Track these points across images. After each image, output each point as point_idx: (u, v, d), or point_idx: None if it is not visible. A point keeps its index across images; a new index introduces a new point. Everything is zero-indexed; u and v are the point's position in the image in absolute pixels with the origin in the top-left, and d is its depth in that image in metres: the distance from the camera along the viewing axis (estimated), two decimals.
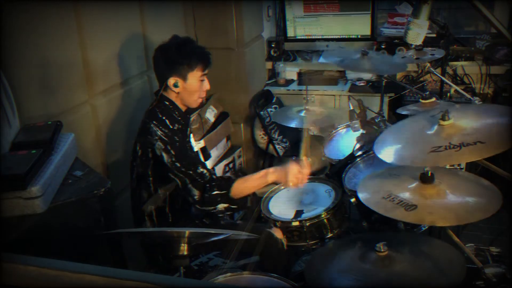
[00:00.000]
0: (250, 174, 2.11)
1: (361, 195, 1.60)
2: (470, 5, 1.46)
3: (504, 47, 3.44)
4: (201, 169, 1.99)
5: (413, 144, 1.52)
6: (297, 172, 2.00)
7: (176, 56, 2.01)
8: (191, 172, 1.96)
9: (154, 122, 1.98)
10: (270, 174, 2.03)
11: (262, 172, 2.05)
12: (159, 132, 1.96)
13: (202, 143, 2.37)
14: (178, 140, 1.98)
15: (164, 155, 1.95)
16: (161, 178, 2.02)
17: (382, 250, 1.56)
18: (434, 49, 2.23)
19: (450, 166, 1.93)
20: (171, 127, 2.00)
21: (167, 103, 2.07)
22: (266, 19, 3.99)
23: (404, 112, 2.22)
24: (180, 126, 2.05)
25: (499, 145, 1.34)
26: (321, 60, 3.93)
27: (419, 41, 2.01)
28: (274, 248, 2.03)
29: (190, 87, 2.06)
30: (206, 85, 2.11)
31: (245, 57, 3.47)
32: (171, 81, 2.03)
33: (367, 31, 3.85)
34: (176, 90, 2.05)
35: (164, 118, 2.01)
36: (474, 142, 1.37)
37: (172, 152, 1.96)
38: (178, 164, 1.96)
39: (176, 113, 2.09)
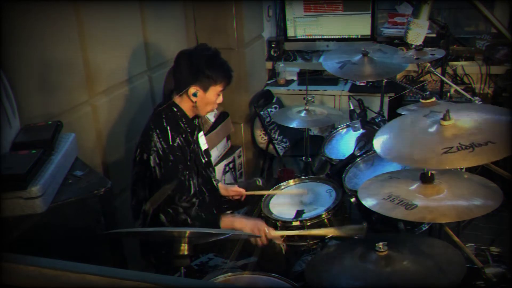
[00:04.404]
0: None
1: (362, 200, 1.60)
2: (470, 5, 1.46)
3: (504, 47, 3.43)
4: (184, 200, 2.00)
5: (420, 145, 1.51)
6: (262, 230, 1.98)
7: (204, 68, 2.02)
8: (172, 196, 1.98)
9: (157, 131, 1.98)
10: (237, 222, 2.05)
11: (229, 220, 2.07)
12: (158, 145, 1.97)
13: None
14: (173, 159, 1.99)
15: (157, 170, 1.98)
16: (156, 182, 2.02)
17: (382, 250, 1.56)
18: (434, 49, 2.23)
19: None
20: (171, 143, 2.00)
21: (175, 109, 2.07)
22: (266, 19, 3.99)
23: (404, 112, 2.22)
24: (184, 136, 2.06)
25: (509, 145, 1.34)
26: (321, 60, 3.93)
27: (419, 41, 2.01)
28: (271, 253, 2.03)
29: (208, 99, 2.07)
30: (220, 99, 2.13)
31: (245, 57, 3.47)
32: (192, 90, 2.04)
33: (367, 31, 3.85)
34: (194, 99, 2.06)
35: (168, 128, 2.01)
36: (485, 142, 1.36)
37: (163, 170, 1.98)
38: (163, 184, 1.97)
39: (183, 120, 2.09)
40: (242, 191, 2.41)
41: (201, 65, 2.02)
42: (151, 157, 1.96)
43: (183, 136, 2.07)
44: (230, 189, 2.42)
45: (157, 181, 1.99)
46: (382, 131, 1.65)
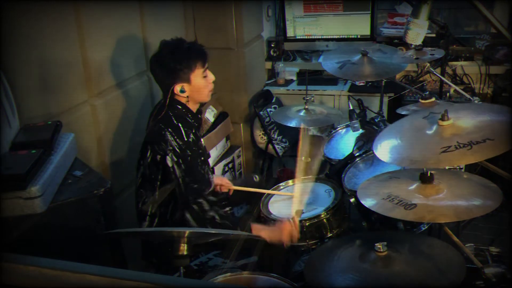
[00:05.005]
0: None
1: (362, 199, 1.60)
2: (470, 5, 1.46)
3: (504, 47, 3.44)
4: (209, 194, 1.99)
5: (419, 146, 1.52)
6: (290, 230, 1.98)
7: (173, 63, 1.99)
8: (198, 188, 1.97)
9: (170, 129, 1.95)
10: (264, 231, 2.00)
11: (258, 227, 2.03)
12: (173, 143, 1.94)
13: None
14: (191, 154, 1.97)
15: (176, 168, 1.95)
16: (172, 181, 2.01)
17: (382, 250, 1.57)
18: (433, 49, 2.23)
19: (450, 166, 1.94)
20: (186, 138, 1.97)
21: (179, 107, 2.06)
22: (266, 19, 3.99)
23: (404, 112, 2.22)
24: (194, 131, 2.05)
25: (508, 141, 1.34)
26: (321, 60, 3.93)
27: (418, 41, 2.01)
28: (271, 253, 2.03)
29: (197, 87, 2.05)
30: (211, 77, 2.10)
31: (245, 57, 3.47)
32: (177, 88, 2.02)
33: (366, 31, 3.86)
34: (184, 94, 2.04)
35: (179, 125, 1.99)
36: (483, 140, 1.37)
37: (183, 166, 1.95)
38: (187, 179, 1.96)
39: (190, 116, 2.08)
40: (230, 184, 2.41)
41: (168, 63, 1.99)
42: (168, 157, 1.93)
43: (193, 131, 2.06)
44: (219, 178, 2.42)
45: (176, 178, 1.96)
46: (383, 136, 1.65)
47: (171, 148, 1.94)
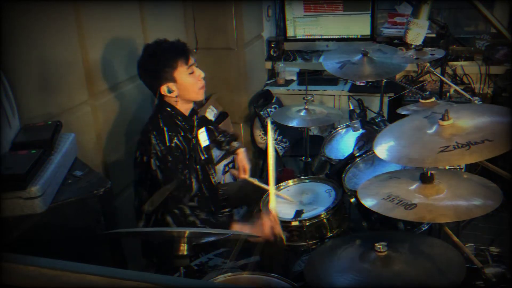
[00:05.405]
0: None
1: (362, 199, 1.60)
2: (470, 5, 1.46)
3: (504, 47, 3.44)
4: (189, 200, 1.98)
5: (418, 145, 1.52)
6: (270, 225, 1.95)
7: (153, 65, 2.00)
8: (176, 196, 1.97)
9: (155, 133, 1.96)
10: (245, 229, 1.99)
11: (238, 226, 2.01)
12: (157, 147, 1.95)
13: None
14: (172, 160, 1.97)
15: (158, 172, 1.96)
16: (158, 184, 2.01)
17: (382, 250, 1.56)
18: (434, 49, 2.23)
19: (450, 166, 1.94)
20: (168, 143, 1.98)
21: (168, 109, 2.07)
22: (266, 19, 3.99)
23: (404, 112, 2.22)
24: (183, 134, 2.05)
25: (506, 142, 1.34)
26: (321, 60, 3.93)
27: (419, 41, 2.01)
28: (272, 253, 2.02)
29: (184, 85, 2.04)
30: (199, 73, 2.08)
31: (245, 57, 3.47)
32: (164, 88, 2.03)
33: (367, 31, 3.86)
34: (173, 94, 2.04)
35: (165, 129, 1.99)
36: (482, 140, 1.37)
37: (164, 172, 1.96)
38: (167, 186, 1.96)
39: (179, 118, 2.08)
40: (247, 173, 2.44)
41: (150, 65, 2.01)
42: (152, 160, 1.95)
43: (182, 134, 2.06)
44: (244, 161, 2.46)
45: (159, 182, 1.97)
46: (383, 134, 1.65)
47: (154, 151, 1.95)
